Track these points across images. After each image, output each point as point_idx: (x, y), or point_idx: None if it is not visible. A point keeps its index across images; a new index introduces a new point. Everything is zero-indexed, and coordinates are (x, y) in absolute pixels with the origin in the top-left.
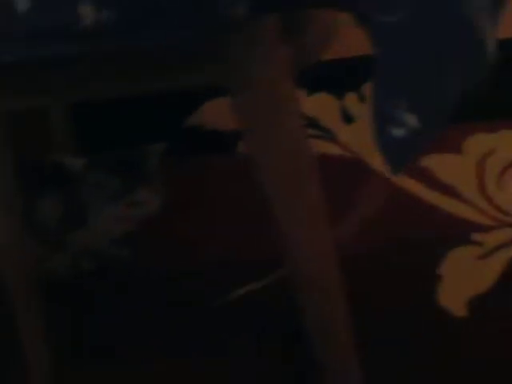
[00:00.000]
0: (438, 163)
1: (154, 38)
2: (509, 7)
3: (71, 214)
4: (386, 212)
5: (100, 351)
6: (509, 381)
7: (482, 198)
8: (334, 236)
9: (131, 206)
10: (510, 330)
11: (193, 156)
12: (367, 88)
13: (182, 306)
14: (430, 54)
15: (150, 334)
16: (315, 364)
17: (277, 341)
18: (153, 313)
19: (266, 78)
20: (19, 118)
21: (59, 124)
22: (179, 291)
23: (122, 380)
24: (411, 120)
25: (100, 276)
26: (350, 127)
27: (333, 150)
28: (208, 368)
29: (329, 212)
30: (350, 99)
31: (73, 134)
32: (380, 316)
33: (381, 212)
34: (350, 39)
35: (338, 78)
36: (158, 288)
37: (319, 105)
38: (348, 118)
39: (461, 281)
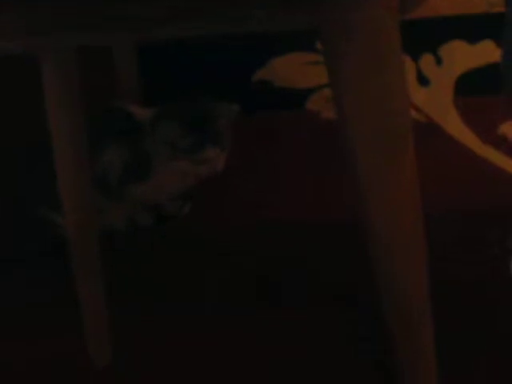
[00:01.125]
0: None
1: None
2: None
3: (134, 165)
4: (458, 179)
5: (151, 305)
6: None
7: None
8: None
9: (199, 164)
10: None
11: (260, 111)
12: (444, 50)
13: (233, 268)
14: None
15: (195, 294)
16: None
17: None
18: (201, 272)
19: (372, 21)
20: (85, 61)
21: (125, 71)
22: (234, 252)
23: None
24: None
25: (155, 231)
26: (425, 90)
27: None
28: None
29: None
30: (427, 61)
31: (139, 82)
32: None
33: (453, 179)
34: None
35: (415, 38)
36: (211, 247)
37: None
38: (423, 81)
39: None
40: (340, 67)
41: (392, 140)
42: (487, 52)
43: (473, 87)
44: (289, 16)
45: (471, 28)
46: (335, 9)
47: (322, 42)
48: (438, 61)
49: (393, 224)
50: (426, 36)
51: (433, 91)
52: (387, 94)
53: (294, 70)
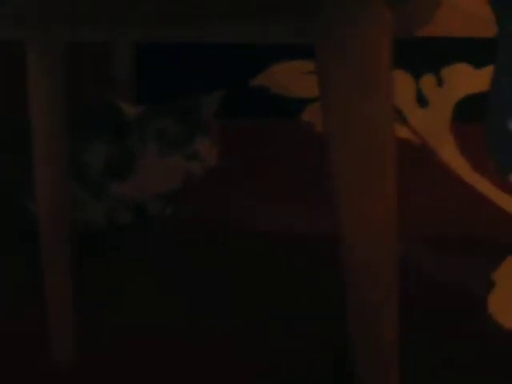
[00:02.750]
0: None
1: None
2: None
3: (116, 162)
4: (446, 206)
5: (117, 307)
6: None
7: None
8: None
9: (190, 158)
10: None
11: (254, 118)
12: (447, 72)
13: (208, 276)
14: None
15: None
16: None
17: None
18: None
19: (363, 40)
20: (82, 56)
21: (122, 67)
22: (207, 261)
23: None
24: None
25: (133, 230)
26: (422, 111)
27: (401, 132)
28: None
29: None
30: (428, 81)
31: (133, 80)
32: (426, 320)
33: (440, 205)
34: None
35: (418, 56)
36: (185, 252)
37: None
38: (422, 101)
39: None
40: (328, 83)
41: (372, 163)
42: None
43: (472, 113)
44: (282, 30)
45: (478, 52)
46: (328, 25)
47: (315, 56)
48: (439, 82)
49: (365, 248)
50: (429, 55)
51: (430, 113)
52: (371, 116)
53: (292, 78)
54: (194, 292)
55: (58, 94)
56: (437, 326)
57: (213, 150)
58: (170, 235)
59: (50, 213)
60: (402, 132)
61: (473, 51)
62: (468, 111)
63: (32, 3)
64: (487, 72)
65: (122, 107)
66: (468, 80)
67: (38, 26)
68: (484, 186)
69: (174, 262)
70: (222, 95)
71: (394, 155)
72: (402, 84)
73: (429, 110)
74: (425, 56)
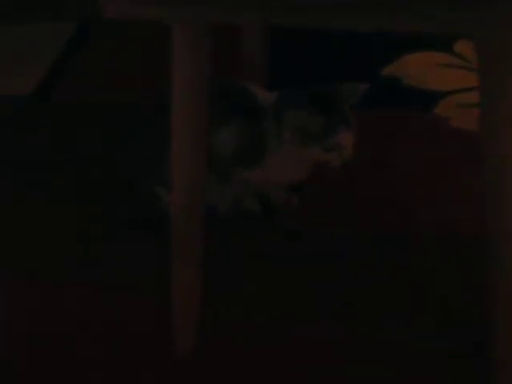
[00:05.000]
0: None
1: None
2: None
3: (248, 148)
4: None
5: (241, 300)
6: None
7: None
8: None
9: (329, 150)
10: None
11: (385, 108)
12: None
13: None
14: None
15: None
16: None
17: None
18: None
19: None
20: (215, 39)
21: (254, 53)
22: (332, 256)
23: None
24: None
25: (261, 220)
26: None
27: None
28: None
29: None
30: None
31: (265, 65)
32: None
33: None
34: None
35: None
36: (311, 246)
37: None
38: None
39: None
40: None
41: None
42: None
43: None
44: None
45: None
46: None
47: (477, 49)
48: None
49: None
50: None
51: None
52: None
53: (426, 69)
54: (316, 287)
55: (201, 75)
56: None
57: (351, 142)
58: (294, 226)
59: (183, 198)
60: None
61: None
62: None
63: None
64: None
65: (255, 92)
66: None
67: (184, 6)
68: None
69: (292, 260)
70: (366, 88)
71: None
72: None
73: None
74: None
